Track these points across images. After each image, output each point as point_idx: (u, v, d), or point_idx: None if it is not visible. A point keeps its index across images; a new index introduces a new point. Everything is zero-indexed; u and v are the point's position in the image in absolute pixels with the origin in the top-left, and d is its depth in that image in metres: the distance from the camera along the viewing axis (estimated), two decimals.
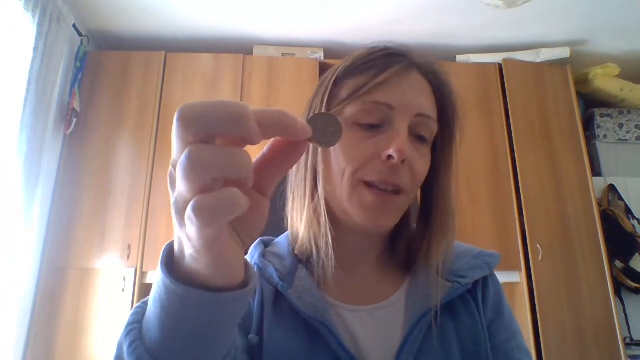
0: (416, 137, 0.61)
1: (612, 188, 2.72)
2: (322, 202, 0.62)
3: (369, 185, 0.59)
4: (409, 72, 0.62)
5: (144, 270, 2.34)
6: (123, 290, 2.28)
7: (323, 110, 0.63)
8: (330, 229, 0.61)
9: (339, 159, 0.60)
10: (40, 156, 2.16)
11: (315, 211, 0.62)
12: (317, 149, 0.63)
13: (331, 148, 0.61)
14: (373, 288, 0.66)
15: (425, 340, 0.60)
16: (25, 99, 2.08)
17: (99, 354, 2.19)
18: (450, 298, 0.62)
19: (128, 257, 2.33)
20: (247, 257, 0.70)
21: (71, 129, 2.46)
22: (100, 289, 2.29)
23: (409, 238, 0.68)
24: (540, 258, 2.44)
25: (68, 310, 2.25)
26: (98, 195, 2.43)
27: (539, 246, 2.46)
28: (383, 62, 0.62)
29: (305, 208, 0.64)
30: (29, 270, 2.21)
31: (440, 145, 0.65)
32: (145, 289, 2.34)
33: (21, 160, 2.04)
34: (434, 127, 0.62)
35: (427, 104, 0.61)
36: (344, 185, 0.60)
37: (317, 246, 0.62)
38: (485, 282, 0.67)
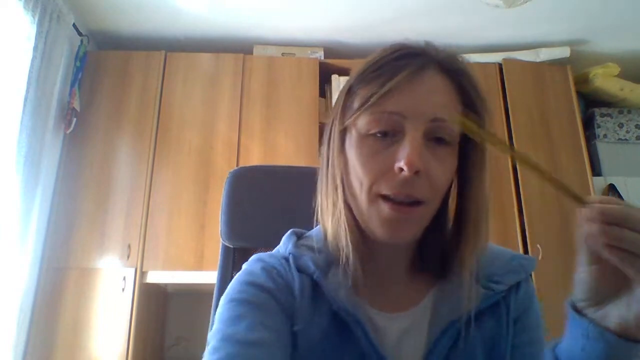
0: (435, 140, 0.58)
1: (612, 188, 2.72)
2: (343, 218, 0.61)
3: (385, 198, 0.57)
4: (422, 73, 0.58)
5: (143, 270, 2.34)
6: (123, 290, 2.28)
7: (338, 122, 0.62)
8: (351, 242, 0.60)
9: (356, 171, 0.59)
10: (40, 156, 2.16)
11: (339, 221, 0.62)
12: (338, 158, 0.62)
13: (349, 161, 0.61)
14: (402, 293, 0.65)
15: (453, 348, 0.59)
16: (25, 99, 2.08)
17: (99, 354, 2.19)
18: (483, 306, 0.60)
19: (128, 257, 2.33)
20: (281, 246, 0.68)
21: (71, 129, 2.46)
22: (100, 289, 2.29)
23: (442, 243, 0.65)
24: (540, 258, 2.44)
25: (68, 310, 2.25)
26: (98, 195, 2.43)
27: (539, 246, 2.46)
28: (393, 66, 0.58)
29: (330, 216, 0.63)
30: (29, 270, 2.20)
31: (471, 146, 0.61)
32: (145, 289, 2.34)
33: (21, 160, 2.04)
34: (455, 128, 0.58)
35: (444, 106, 0.58)
36: (362, 198, 0.59)
37: (341, 256, 0.61)
38: (519, 284, 0.65)
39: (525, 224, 2.51)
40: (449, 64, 0.60)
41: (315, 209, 0.67)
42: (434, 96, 0.58)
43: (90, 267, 2.32)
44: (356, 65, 0.64)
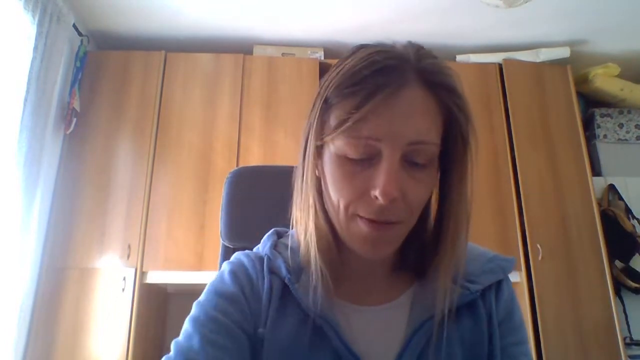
0: (413, 158, 0.56)
1: (612, 188, 2.72)
2: (314, 240, 0.61)
3: (363, 217, 0.57)
4: (401, 92, 0.55)
5: (144, 270, 2.34)
6: (123, 290, 2.28)
7: (314, 136, 0.60)
8: (322, 263, 0.60)
9: (333, 190, 0.58)
10: (40, 156, 2.16)
11: (310, 242, 0.62)
12: (316, 166, 0.62)
13: (326, 177, 0.60)
14: (380, 289, 0.66)
15: (427, 345, 0.59)
16: (25, 99, 2.08)
17: (99, 354, 2.19)
18: (457, 304, 0.61)
19: (128, 257, 2.33)
20: (260, 245, 0.69)
21: (71, 129, 2.46)
22: (100, 289, 2.29)
23: (422, 243, 0.66)
24: (540, 258, 2.44)
25: (68, 310, 2.25)
26: (98, 195, 2.43)
27: (539, 246, 2.46)
28: (371, 84, 0.54)
29: (303, 234, 0.63)
30: (29, 270, 2.20)
31: (452, 158, 0.61)
32: (145, 289, 2.34)
33: (21, 160, 2.04)
34: (434, 149, 0.57)
35: (423, 128, 0.56)
36: (340, 216, 0.58)
37: (312, 267, 0.61)
38: (499, 285, 0.66)
39: (525, 224, 2.51)
40: (432, 76, 0.58)
41: (290, 219, 0.66)
42: (412, 118, 0.55)
43: (90, 267, 2.32)
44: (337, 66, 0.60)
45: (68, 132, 2.47)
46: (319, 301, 0.59)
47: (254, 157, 2.53)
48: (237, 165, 2.50)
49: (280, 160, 2.49)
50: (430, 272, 0.63)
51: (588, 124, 2.93)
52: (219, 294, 0.62)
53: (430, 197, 0.63)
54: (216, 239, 0.96)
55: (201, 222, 2.41)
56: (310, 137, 0.61)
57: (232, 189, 0.95)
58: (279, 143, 2.56)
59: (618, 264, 2.56)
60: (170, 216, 2.42)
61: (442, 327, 0.59)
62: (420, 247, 0.66)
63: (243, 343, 0.58)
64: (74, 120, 2.47)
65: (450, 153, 0.61)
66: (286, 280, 0.61)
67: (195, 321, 0.59)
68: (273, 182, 0.97)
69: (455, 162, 0.61)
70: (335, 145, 0.57)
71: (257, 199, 0.95)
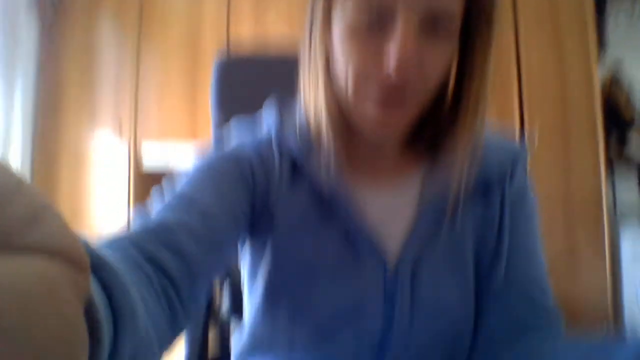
0: (432, 25, 0.50)
1: (616, 70, 2.64)
2: (324, 105, 0.57)
3: (372, 97, 0.53)
4: None
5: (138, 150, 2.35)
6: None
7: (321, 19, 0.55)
8: (333, 130, 0.57)
9: (342, 61, 0.53)
10: (14, 50, 2.07)
11: (322, 108, 0.57)
12: (321, 39, 0.56)
13: (334, 47, 0.54)
14: (389, 168, 0.63)
15: (439, 225, 0.58)
16: None
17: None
18: (473, 188, 0.59)
19: (120, 131, 2.34)
20: (262, 121, 0.65)
21: (48, 18, 2.32)
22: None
23: (437, 122, 0.61)
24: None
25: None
26: (83, 76, 2.39)
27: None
28: None
29: (313, 102, 0.59)
30: None
31: (474, 34, 0.55)
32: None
33: None
34: (455, 20, 0.51)
35: None
36: (349, 92, 0.54)
37: (322, 140, 0.58)
38: (514, 171, 0.62)
39: (524, 105, 2.47)
40: None
41: (298, 90, 0.62)
42: None
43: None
44: None
45: (45, 23, 2.33)
46: (331, 176, 0.57)
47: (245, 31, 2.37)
48: (227, 40, 2.35)
49: (272, 32, 2.34)
50: (444, 147, 0.60)
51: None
52: (219, 155, 0.59)
53: (448, 80, 0.58)
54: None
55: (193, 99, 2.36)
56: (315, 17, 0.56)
57: (221, 82, 0.89)
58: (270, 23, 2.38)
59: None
60: (161, 87, 2.37)
61: (455, 206, 0.58)
62: (435, 125, 0.62)
63: (239, 204, 0.56)
64: (51, 8, 2.32)
65: (472, 28, 0.55)
66: (297, 156, 0.59)
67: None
68: (266, 73, 0.91)
69: (478, 37, 0.55)
70: (344, 12, 0.52)
71: (251, 93, 0.85)
